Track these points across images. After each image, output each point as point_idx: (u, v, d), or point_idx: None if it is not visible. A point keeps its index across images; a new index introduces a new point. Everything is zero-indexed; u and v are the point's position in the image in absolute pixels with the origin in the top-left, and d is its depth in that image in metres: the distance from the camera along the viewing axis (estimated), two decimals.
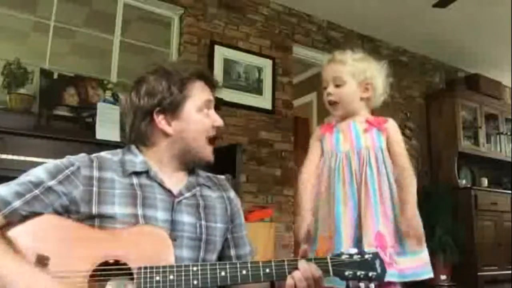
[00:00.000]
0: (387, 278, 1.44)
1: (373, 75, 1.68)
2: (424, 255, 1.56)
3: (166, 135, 1.12)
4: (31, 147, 2.08)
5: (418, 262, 1.54)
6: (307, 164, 1.72)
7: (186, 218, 1.09)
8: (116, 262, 0.93)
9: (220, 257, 1.18)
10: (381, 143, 1.62)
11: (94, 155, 1.10)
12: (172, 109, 1.11)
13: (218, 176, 1.29)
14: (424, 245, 1.57)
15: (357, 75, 1.65)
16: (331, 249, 1.50)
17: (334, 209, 1.57)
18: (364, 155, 1.59)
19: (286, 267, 0.97)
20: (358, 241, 1.53)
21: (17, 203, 0.94)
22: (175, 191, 1.11)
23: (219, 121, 1.18)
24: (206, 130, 1.15)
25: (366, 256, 1.00)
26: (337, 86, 1.66)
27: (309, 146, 1.78)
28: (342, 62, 1.67)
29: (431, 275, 1.53)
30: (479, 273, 4.24)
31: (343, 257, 1.00)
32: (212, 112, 1.17)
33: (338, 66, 1.67)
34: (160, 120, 1.11)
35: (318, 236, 1.60)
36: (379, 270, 0.98)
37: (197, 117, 1.13)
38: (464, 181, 4.91)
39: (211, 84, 1.20)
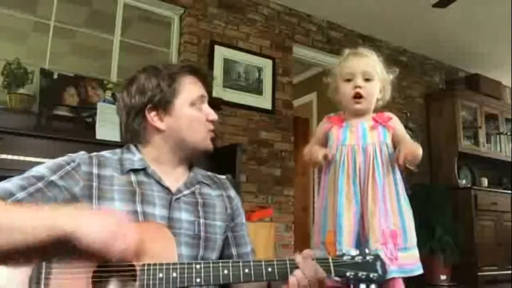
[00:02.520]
0: (390, 275, 1.46)
1: (386, 79, 1.68)
2: (416, 252, 1.57)
3: (160, 131, 1.12)
4: (31, 147, 2.08)
5: (413, 259, 1.55)
6: (310, 144, 1.72)
7: (184, 215, 1.09)
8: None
9: (221, 256, 1.18)
10: (386, 139, 1.63)
11: (93, 153, 1.11)
12: (163, 105, 1.11)
13: (219, 176, 1.29)
14: (415, 242, 1.58)
15: (380, 75, 1.65)
16: (335, 244, 1.51)
17: (337, 202, 1.57)
18: (370, 150, 1.58)
19: (288, 266, 0.97)
20: (359, 237, 1.53)
21: (21, 195, 0.95)
22: (173, 188, 1.11)
23: (213, 115, 1.17)
24: (200, 124, 1.14)
25: (368, 258, 1.01)
26: (367, 80, 1.63)
27: (314, 133, 1.78)
28: (371, 58, 1.65)
29: (421, 271, 1.54)
30: (479, 273, 4.24)
31: (345, 258, 1.01)
32: (205, 106, 1.17)
33: (369, 61, 1.64)
34: (152, 117, 1.11)
35: (326, 230, 1.60)
36: (380, 272, 0.99)
37: (189, 112, 1.13)
38: (464, 181, 4.91)
39: (203, 79, 1.19)
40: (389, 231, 1.53)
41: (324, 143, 1.70)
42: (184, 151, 1.14)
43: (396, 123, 1.68)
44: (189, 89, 1.14)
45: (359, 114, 1.67)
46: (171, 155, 1.14)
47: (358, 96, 1.63)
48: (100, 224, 0.88)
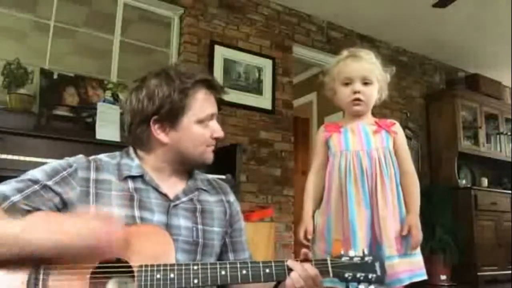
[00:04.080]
0: (405, 282, 1.45)
1: (384, 79, 1.68)
2: (419, 258, 1.57)
3: (162, 143, 1.10)
4: (31, 147, 2.07)
5: (416, 265, 1.55)
6: (312, 168, 1.71)
7: (182, 222, 1.08)
8: (118, 260, 0.93)
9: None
10: (389, 145, 1.62)
11: (92, 157, 1.10)
12: (170, 118, 1.08)
13: (219, 180, 1.28)
14: (419, 249, 1.58)
15: (379, 77, 1.64)
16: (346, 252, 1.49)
17: (347, 209, 1.55)
18: (375, 155, 1.58)
19: (286, 267, 0.98)
20: (372, 242, 1.52)
21: (16, 197, 0.95)
22: (171, 195, 1.10)
23: (219, 133, 1.14)
24: (203, 141, 1.12)
25: (366, 259, 1.01)
26: (365, 84, 1.61)
27: (314, 149, 1.76)
28: (369, 62, 1.64)
29: (425, 277, 1.54)
30: (479, 273, 4.25)
31: (343, 259, 1.01)
32: (213, 123, 1.13)
33: (367, 65, 1.63)
34: (156, 129, 1.08)
35: (332, 238, 1.58)
36: (379, 272, 0.99)
37: (196, 129, 1.10)
38: (464, 181, 4.91)
39: (217, 93, 1.15)
40: (399, 236, 1.53)
41: (326, 154, 1.69)
42: (183, 163, 1.14)
43: (398, 129, 1.67)
44: (201, 106, 1.10)
45: (358, 115, 1.67)
46: (169, 165, 1.13)
47: (356, 100, 1.62)
48: (84, 232, 0.87)
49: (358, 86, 1.61)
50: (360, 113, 1.66)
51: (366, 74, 1.61)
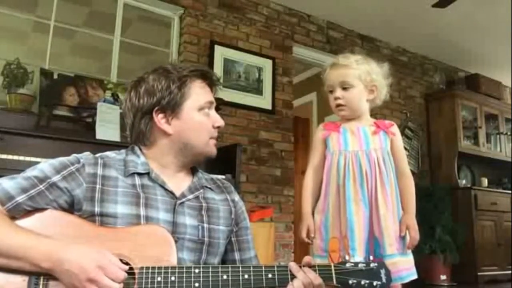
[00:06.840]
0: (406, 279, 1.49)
1: (377, 77, 1.69)
2: (412, 258, 1.60)
3: (166, 134, 1.11)
4: (31, 147, 2.07)
5: (410, 264, 1.57)
6: (310, 165, 1.73)
7: (188, 220, 1.08)
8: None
9: (224, 261, 1.17)
10: (387, 146, 1.65)
11: (98, 154, 1.10)
12: (172, 108, 1.10)
13: (222, 179, 1.28)
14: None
15: (363, 78, 1.66)
16: (343, 249, 1.51)
17: (345, 208, 1.57)
18: (374, 156, 1.60)
19: (289, 273, 0.96)
20: (369, 241, 1.54)
21: (20, 198, 0.95)
22: (177, 193, 1.10)
23: (220, 122, 1.16)
24: (206, 130, 1.14)
25: (372, 265, 0.98)
26: (345, 89, 1.66)
27: (312, 146, 1.78)
28: (347, 66, 1.67)
29: (416, 276, 1.57)
30: (479, 273, 4.25)
31: (348, 265, 0.98)
32: (213, 112, 1.16)
33: (344, 70, 1.67)
34: (159, 120, 1.10)
35: (329, 236, 1.60)
36: (384, 280, 0.97)
37: (197, 117, 1.12)
38: (464, 181, 4.91)
39: (212, 83, 1.18)
40: (398, 235, 1.56)
41: (324, 153, 1.71)
42: (187, 156, 1.14)
43: (396, 130, 1.71)
44: (199, 94, 1.13)
45: (349, 119, 1.70)
46: (174, 158, 1.13)
47: (338, 106, 1.68)
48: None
49: (337, 92, 1.67)
50: (345, 117, 1.70)
51: (343, 79, 1.66)
